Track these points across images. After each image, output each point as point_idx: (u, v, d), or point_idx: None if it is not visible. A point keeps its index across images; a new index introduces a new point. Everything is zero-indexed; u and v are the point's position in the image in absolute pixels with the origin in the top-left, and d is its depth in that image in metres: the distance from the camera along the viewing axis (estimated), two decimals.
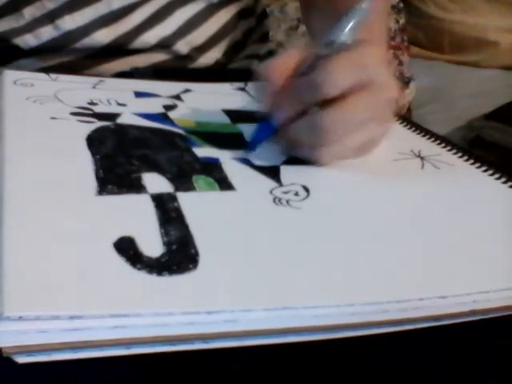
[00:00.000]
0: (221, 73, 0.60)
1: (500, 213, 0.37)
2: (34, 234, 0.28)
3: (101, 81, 0.49)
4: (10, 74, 0.47)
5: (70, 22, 0.52)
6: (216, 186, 0.35)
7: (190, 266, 0.28)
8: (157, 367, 0.27)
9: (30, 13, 0.52)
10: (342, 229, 0.33)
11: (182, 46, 0.57)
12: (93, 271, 0.26)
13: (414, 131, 0.47)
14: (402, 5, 1.07)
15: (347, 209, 0.35)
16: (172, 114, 0.45)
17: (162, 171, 0.36)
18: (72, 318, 0.24)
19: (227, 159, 0.38)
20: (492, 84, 1.06)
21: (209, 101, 0.48)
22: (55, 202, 0.31)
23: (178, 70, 0.57)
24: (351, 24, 0.38)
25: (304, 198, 0.35)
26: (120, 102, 0.45)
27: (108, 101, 0.45)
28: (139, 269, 0.27)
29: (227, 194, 0.35)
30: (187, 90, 0.50)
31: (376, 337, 0.28)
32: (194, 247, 0.29)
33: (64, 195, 0.32)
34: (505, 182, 0.39)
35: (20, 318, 0.23)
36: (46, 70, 0.50)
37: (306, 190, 0.36)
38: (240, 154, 0.40)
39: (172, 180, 0.35)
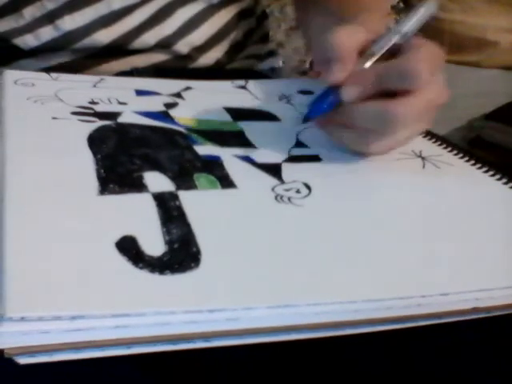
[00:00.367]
0: (221, 73, 0.60)
1: (500, 212, 0.37)
2: (35, 234, 0.28)
3: (101, 79, 0.49)
4: (11, 74, 0.47)
5: (70, 22, 0.52)
6: (217, 183, 0.35)
7: (192, 264, 0.28)
8: (158, 367, 0.27)
9: (30, 13, 0.51)
10: (344, 226, 0.33)
11: (182, 46, 0.57)
12: (94, 271, 0.26)
13: None
14: (401, 5, 1.07)
15: (349, 206, 0.35)
16: (173, 112, 0.44)
17: (164, 170, 0.36)
18: (74, 318, 0.24)
19: (228, 157, 0.38)
20: (492, 84, 1.06)
21: (210, 98, 0.48)
22: (56, 202, 0.31)
23: (178, 70, 0.57)
24: (422, 16, 0.39)
25: (306, 196, 0.35)
26: (121, 100, 0.45)
27: (109, 100, 0.45)
28: (141, 268, 0.27)
29: (229, 191, 0.35)
30: (188, 88, 0.50)
31: (378, 335, 0.28)
32: (196, 246, 0.29)
33: (65, 195, 0.32)
34: (505, 183, 0.40)
35: (22, 319, 0.23)
36: (46, 71, 0.50)
37: (308, 187, 0.36)
38: (241, 151, 0.40)
39: (173, 178, 0.35)
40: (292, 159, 0.39)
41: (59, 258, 0.27)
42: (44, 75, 0.49)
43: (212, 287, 0.27)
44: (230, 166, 0.37)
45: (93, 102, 0.44)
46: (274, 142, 0.41)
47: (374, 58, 0.38)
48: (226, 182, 0.36)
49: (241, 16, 0.61)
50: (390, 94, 0.36)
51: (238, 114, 0.46)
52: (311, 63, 1.14)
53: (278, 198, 0.34)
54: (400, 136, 0.38)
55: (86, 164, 0.35)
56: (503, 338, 0.31)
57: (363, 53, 0.38)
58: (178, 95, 0.48)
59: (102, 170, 0.35)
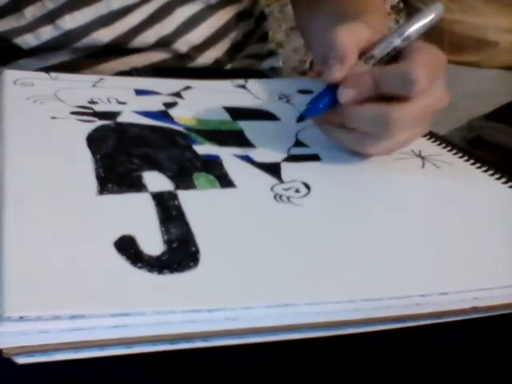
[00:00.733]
0: (220, 72, 0.60)
1: (500, 212, 0.37)
2: (34, 233, 0.28)
3: (101, 79, 0.49)
4: (10, 74, 0.47)
5: (71, 21, 0.52)
6: (217, 183, 0.35)
7: (191, 263, 0.28)
8: (157, 366, 0.27)
9: (30, 13, 0.52)
10: (343, 225, 0.33)
11: (181, 45, 0.57)
12: (93, 270, 0.26)
13: None
14: (401, 5, 1.07)
15: (348, 206, 0.35)
16: (172, 112, 0.44)
17: (163, 169, 0.36)
18: (73, 317, 0.24)
19: (228, 156, 0.38)
20: (492, 84, 1.06)
21: (209, 98, 0.48)
22: (56, 202, 0.31)
23: (178, 69, 0.57)
24: (425, 21, 0.38)
25: (305, 195, 0.35)
26: (120, 100, 0.45)
27: (108, 99, 0.45)
28: (140, 267, 0.27)
29: (228, 191, 0.35)
30: (187, 88, 0.50)
31: (378, 334, 0.28)
32: (195, 245, 0.29)
33: (64, 195, 0.32)
34: (505, 183, 0.40)
35: (21, 319, 0.23)
36: (46, 70, 0.50)
37: (307, 186, 0.36)
38: (241, 150, 0.40)
39: (172, 178, 0.35)
40: (291, 159, 0.39)
41: (58, 257, 0.27)
42: (43, 75, 0.49)
43: (211, 286, 0.27)
44: (229, 166, 0.37)
45: (92, 102, 0.44)
46: (273, 142, 0.41)
47: (374, 61, 0.38)
48: (225, 181, 0.36)
49: (239, 17, 0.61)
50: (388, 97, 0.36)
51: (237, 113, 0.46)
52: (311, 63, 1.14)
53: (277, 197, 0.34)
54: (397, 140, 0.38)
55: (85, 164, 0.35)
56: (503, 338, 0.31)
57: (365, 53, 0.38)
58: (178, 95, 0.48)
59: (101, 170, 0.35)
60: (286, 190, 0.35)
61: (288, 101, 0.50)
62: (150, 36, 0.55)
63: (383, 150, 0.39)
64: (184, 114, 0.44)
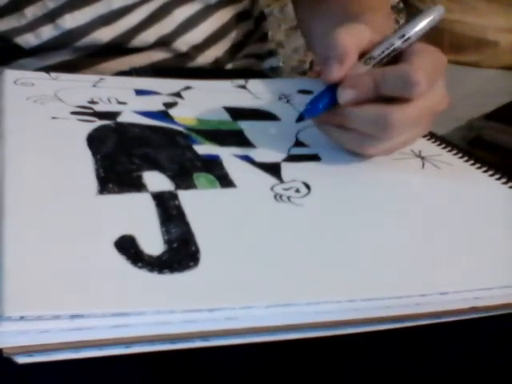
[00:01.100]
0: (220, 72, 0.60)
1: (500, 212, 0.37)
2: (34, 233, 0.28)
3: (101, 79, 0.49)
4: (11, 74, 0.47)
5: (71, 21, 0.52)
6: (217, 183, 0.35)
7: (191, 263, 0.28)
8: (157, 366, 0.27)
9: (31, 12, 0.52)
10: (343, 225, 0.33)
11: (181, 45, 0.57)
12: (94, 270, 0.26)
13: None
14: (401, 5, 1.07)
15: (348, 206, 0.35)
16: (172, 112, 0.44)
17: (163, 169, 0.36)
18: (73, 317, 0.24)
19: (228, 156, 0.38)
20: (492, 84, 1.06)
21: (209, 98, 0.48)
22: (56, 202, 0.31)
23: (178, 69, 0.57)
24: (426, 23, 0.38)
25: (305, 195, 0.35)
26: (120, 100, 0.45)
27: (108, 99, 0.45)
28: (140, 267, 0.27)
29: (228, 191, 0.35)
30: (187, 88, 0.50)
31: (378, 334, 0.28)
32: (195, 245, 0.29)
33: (65, 195, 0.32)
34: (505, 183, 0.40)
35: (21, 318, 0.23)
36: (47, 69, 0.50)
37: (307, 186, 0.36)
38: (241, 150, 0.40)
39: (173, 178, 0.35)
40: (291, 158, 0.39)
41: (58, 257, 0.27)
42: (43, 75, 0.49)
43: (211, 286, 0.27)
44: (229, 166, 0.37)
45: (92, 102, 0.44)
46: (273, 142, 0.41)
47: (373, 62, 0.38)
48: (226, 181, 0.36)
49: (239, 17, 0.61)
50: (387, 98, 0.36)
51: (237, 113, 0.46)
52: (311, 63, 1.14)
53: (278, 197, 0.34)
54: (396, 141, 0.38)
55: (85, 164, 0.35)
56: (503, 337, 0.31)
57: (365, 54, 0.38)
58: (178, 95, 0.48)
59: (102, 170, 0.35)
60: (287, 189, 0.35)
61: (288, 101, 0.50)
62: (150, 35, 0.55)
63: (382, 151, 0.39)
64: (184, 114, 0.44)
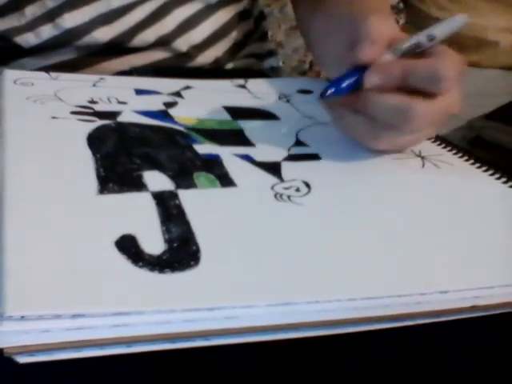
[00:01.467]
0: (220, 72, 0.60)
1: (500, 211, 0.37)
2: (35, 233, 0.28)
3: (101, 79, 0.49)
4: (10, 74, 0.47)
5: (70, 20, 0.52)
6: (217, 182, 0.35)
7: (192, 262, 0.28)
8: (158, 365, 0.27)
9: (31, 11, 0.52)
10: (343, 224, 0.33)
11: (181, 44, 0.57)
12: (94, 270, 0.26)
13: None
14: (401, 5, 1.07)
15: (348, 205, 0.35)
16: (172, 111, 0.45)
17: (163, 169, 0.36)
18: (74, 316, 0.24)
19: (228, 156, 0.38)
20: (492, 84, 1.06)
21: (209, 98, 0.48)
22: (56, 201, 0.31)
23: (178, 69, 0.57)
24: (451, 27, 0.39)
25: (305, 194, 0.35)
26: (120, 99, 0.45)
27: (108, 99, 0.45)
28: (141, 266, 0.27)
29: (228, 190, 0.35)
30: (187, 87, 0.50)
31: (378, 333, 0.28)
32: (196, 244, 0.29)
33: (65, 194, 0.32)
34: (505, 182, 0.40)
35: (22, 318, 0.23)
36: (47, 69, 0.50)
37: (308, 185, 0.36)
38: (241, 150, 0.40)
39: (173, 177, 0.35)
40: (291, 158, 0.39)
41: (59, 257, 0.27)
42: (43, 75, 0.49)
43: (212, 285, 0.27)
44: (229, 165, 0.37)
45: (92, 102, 0.44)
46: (273, 141, 0.41)
47: (399, 54, 0.38)
48: (226, 180, 0.36)
49: (239, 16, 0.61)
50: (410, 91, 0.36)
51: (237, 112, 0.46)
52: (311, 63, 1.14)
53: (278, 196, 0.34)
54: (412, 136, 0.38)
55: (85, 163, 0.35)
56: (503, 336, 0.31)
57: (390, 46, 0.38)
58: (178, 94, 0.48)
59: (102, 170, 0.35)
60: (287, 188, 0.35)
61: (288, 100, 0.50)
62: (150, 35, 0.55)
63: (392, 146, 0.39)
64: (184, 114, 0.44)
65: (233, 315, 0.25)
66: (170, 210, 0.32)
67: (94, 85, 0.48)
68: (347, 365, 0.29)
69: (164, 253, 0.28)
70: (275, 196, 0.34)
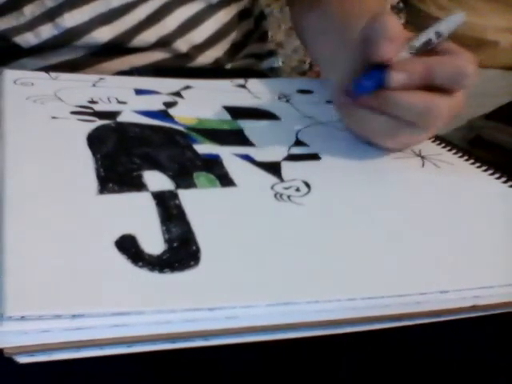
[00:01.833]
0: (220, 72, 0.60)
1: (500, 211, 0.37)
2: (35, 233, 0.28)
3: (101, 79, 0.49)
4: (10, 74, 0.47)
5: (70, 19, 0.52)
6: (217, 182, 0.35)
7: (192, 262, 0.28)
8: (158, 365, 0.27)
9: (30, 11, 0.52)
10: (343, 224, 0.33)
11: (182, 45, 0.57)
12: (94, 270, 0.26)
13: None
14: (401, 5, 1.07)
15: (348, 205, 0.35)
16: (172, 111, 0.44)
17: (163, 169, 0.36)
18: (74, 317, 0.24)
19: (228, 155, 0.38)
20: (492, 84, 1.06)
21: (209, 97, 0.48)
22: (56, 202, 0.31)
23: (178, 69, 0.57)
24: (454, 22, 0.39)
25: (305, 194, 0.35)
26: (120, 99, 0.45)
27: (108, 99, 0.45)
28: (141, 266, 0.27)
29: (228, 190, 0.35)
30: (187, 87, 0.50)
31: (377, 333, 0.28)
32: (196, 244, 0.29)
33: (65, 194, 0.32)
34: (505, 182, 0.40)
35: (22, 318, 0.23)
36: (47, 69, 0.50)
37: (308, 185, 0.36)
38: (241, 150, 0.40)
39: (173, 177, 0.35)
40: (291, 158, 0.39)
41: (59, 257, 0.27)
42: (43, 75, 0.49)
43: (212, 285, 0.27)
44: (229, 165, 0.37)
45: (92, 102, 0.44)
46: (273, 141, 0.41)
47: (413, 51, 0.38)
48: (226, 180, 0.36)
49: (239, 17, 0.61)
50: (425, 88, 0.36)
51: (237, 112, 0.46)
52: (311, 63, 1.14)
53: (278, 196, 0.34)
54: (427, 134, 0.38)
55: (85, 163, 0.35)
56: (503, 336, 0.31)
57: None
58: (178, 94, 0.48)
59: (102, 170, 0.35)
60: (287, 188, 0.35)
61: (288, 100, 0.50)
62: (150, 35, 0.55)
63: (408, 143, 0.39)
64: (184, 114, 0.44)
65: (233, 315, 0.25)
66: (169, 210, 0.32)
67: (94, 85, 0.48)
68: (347, 365, 0.29)
69: (164, 253, 0.28)
70: (275, 196, 0.34)
